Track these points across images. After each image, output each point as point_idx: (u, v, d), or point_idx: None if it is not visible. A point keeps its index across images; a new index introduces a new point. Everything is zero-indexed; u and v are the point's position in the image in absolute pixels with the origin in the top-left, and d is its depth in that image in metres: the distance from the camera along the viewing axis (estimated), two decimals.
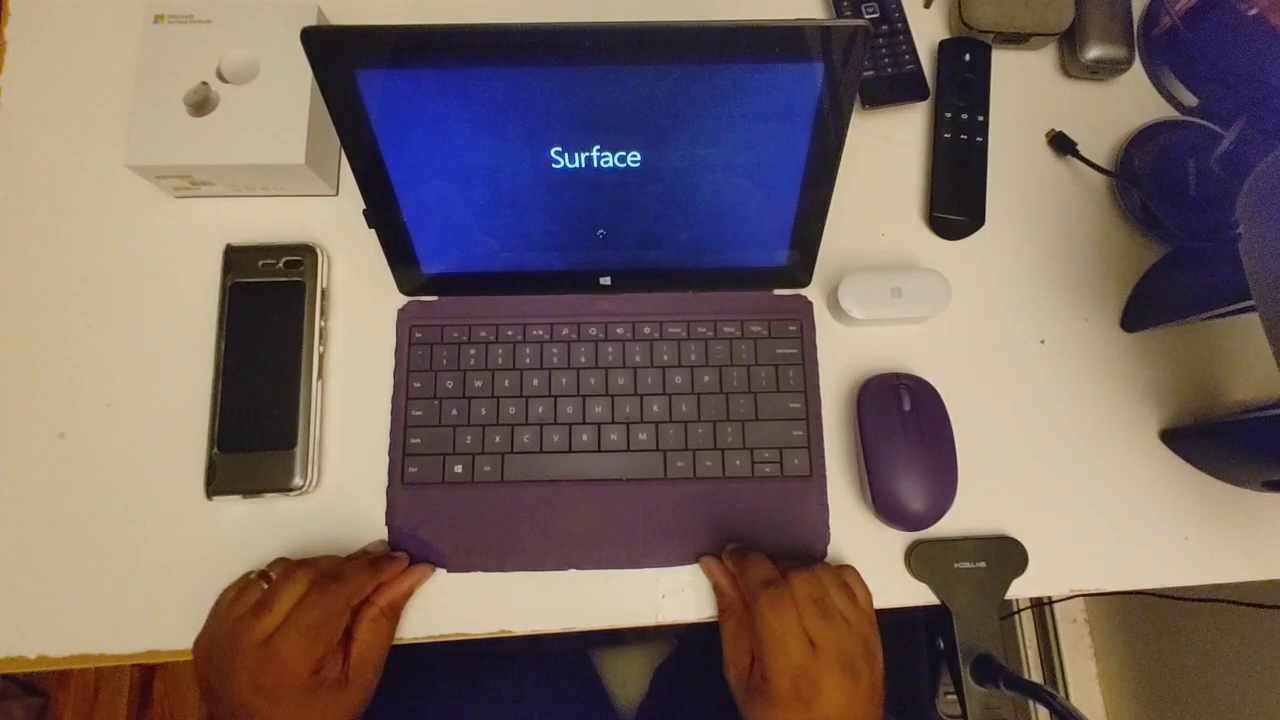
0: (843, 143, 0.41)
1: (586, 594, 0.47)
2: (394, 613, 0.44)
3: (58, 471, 0.47)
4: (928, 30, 0.56)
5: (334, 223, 0.52)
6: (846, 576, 0.42)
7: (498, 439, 0.48)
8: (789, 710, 0.38)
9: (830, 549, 0.47)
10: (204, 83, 0.47)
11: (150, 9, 0.48)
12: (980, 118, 0.54)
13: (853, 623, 0.40)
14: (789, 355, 0.50)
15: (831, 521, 0.48)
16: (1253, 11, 0.52)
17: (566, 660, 0.62)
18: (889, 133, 0.55)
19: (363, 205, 0.44)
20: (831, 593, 0.40)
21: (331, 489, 0.48)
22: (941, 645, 0.47)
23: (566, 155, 0.40)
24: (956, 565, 0.46)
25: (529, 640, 0.46)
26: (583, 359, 0.49)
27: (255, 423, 0.47)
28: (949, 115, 0.54)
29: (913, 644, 0.64)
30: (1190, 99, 0.56)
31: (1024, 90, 0.56)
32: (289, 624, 0.38)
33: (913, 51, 0.54)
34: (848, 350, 0.51)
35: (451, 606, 0.46)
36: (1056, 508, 0.49)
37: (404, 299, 0.50)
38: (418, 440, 0.48)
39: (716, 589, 0.45)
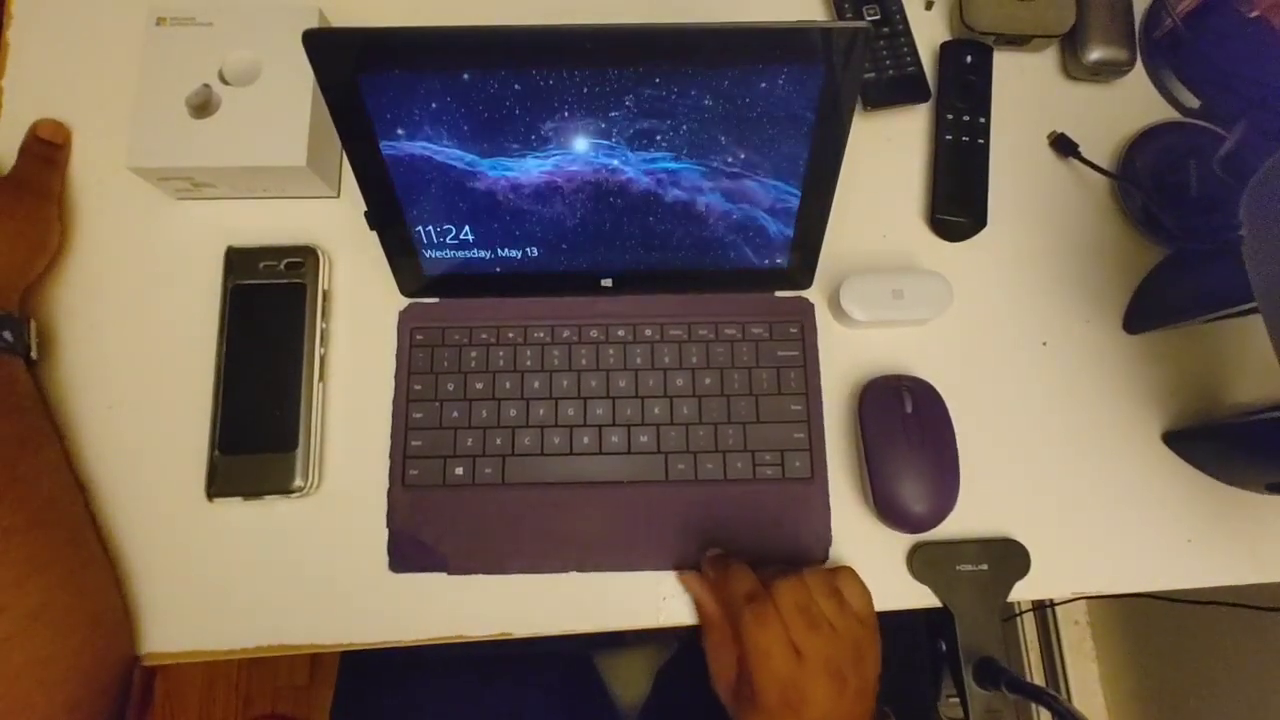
0: (844, 144, 0.41)
1: (588, 596, 0.46)
2: (28, 145, 0.49)
3: None
4: (929, 32, 0.56)
5: (335, 224, 0.52)
6: (840, 581, 0.42)
7: (499, 441, 0.48)
8: (779, 719, 0.38)
9: (832, 551, 0.47)
10: (205, 85, 0.47)
11: (152, 11, 0.48)
12: (981, 119, 0.54)
13: (840, 629, 0.39)
14: (790, 357, 0.49)
15: (833, 524, 0.47)
16: (1254, 13, 0.52)
17: (568, 662, 0.62)
18: (890, 134, 0.55)
19: (364, 207, 0.44)
20: (818, 600, 0.40)
21: (332, 491, 0.48)
22: (943, 648, 0.47)
23: (567, 157, 0.40)
24: (958, 567, 0.46)
25: (530, 643, 0.46)
26: (584, 361, 0.49)
27: (256, 424, 0.47)
28: (950, 117, 0.54)
29: (915, 647, 0.64)
30: (1192, 101, 0.56)
31: (1025, 92, 0.56)
32: None
33: (914, 53, 0.54)
34: (849, 352, 0.51)
35: (452, 609, 0.46)
36: (1059, 510, 0.49)
37: (405, 301, 0.50)
38: (419, 442, 0.48)
39: (697, 603, 0.45)
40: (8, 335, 0.43)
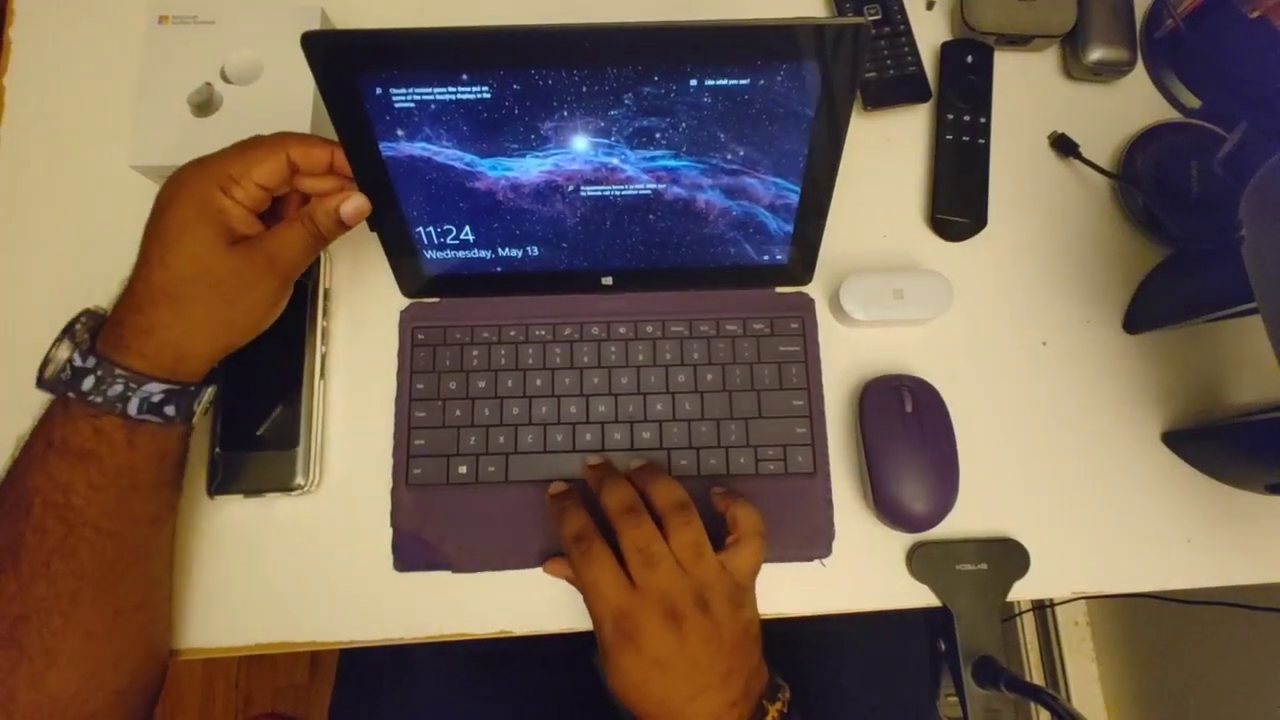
0: (843, 141, 0.41)
1: None
2: (311, 221, 0.40)
3: None
4: (930, 32, 0.57)
5: None
6: (738, 542, 0.40)
7: (501, 439, 0.48)
8: (621, 653, 0.37)
9: (834, 546, 0.47)
10: (207, 83, 0.47)
11: (154, 9, 0.48)
12: (982, 119, 0.54)
13: (692, 572, 0.38)
14: (791, 352, 0.50)
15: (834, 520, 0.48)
16: (1255, 13, 0.52)
17: (568, 662, 0.62)
18: (891, 134, 0.55)
19: None
20: (673, 544, 0.38)
21: (333, 489, 0.48)
22: (943, 647, 0.47)
23: (566, 156, 0.40)
24: (958, 567, 0.46)
25: (530, 641, 0.46)
26: (585, 359, 0.49)
27: (257, 422, 0.47)
28: (951, 117, 0.54)
29: (914, 646, 0.64)
30: (1193, 101, 0.56)
31: (1026, 92, 0.56)
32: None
33: (915, 53, 0.54)
34: (849, 351, 0.51)
35: (454, 607, 0.46)
36: (1058, 510, 0.49)
37: (406, 300, 0.50)
38: (422, 441, 0.48)
39: (570, 581, 0.44)
40: (169, 410, 0.39)
